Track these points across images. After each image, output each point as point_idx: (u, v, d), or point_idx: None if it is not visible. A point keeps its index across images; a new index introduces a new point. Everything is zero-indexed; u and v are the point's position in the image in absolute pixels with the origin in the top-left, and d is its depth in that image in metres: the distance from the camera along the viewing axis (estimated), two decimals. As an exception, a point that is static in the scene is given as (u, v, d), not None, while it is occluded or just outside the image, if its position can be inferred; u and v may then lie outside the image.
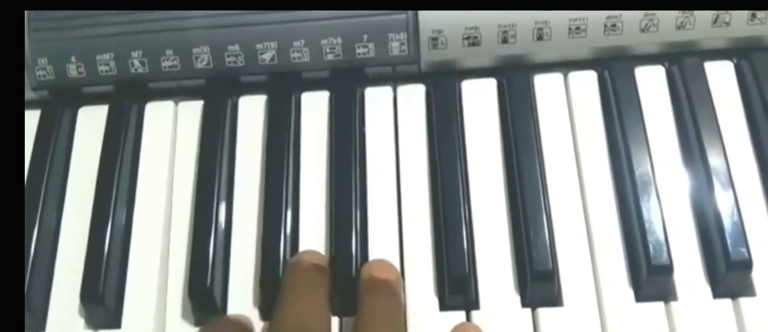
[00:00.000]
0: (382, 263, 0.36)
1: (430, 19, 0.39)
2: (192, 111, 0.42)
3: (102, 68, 0.41)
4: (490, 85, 0.41)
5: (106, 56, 0.40)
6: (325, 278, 0.35)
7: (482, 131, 0.39)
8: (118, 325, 0.36)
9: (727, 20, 0.39)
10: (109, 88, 0.41)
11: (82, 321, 0.36)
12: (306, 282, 0.34)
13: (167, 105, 0.42)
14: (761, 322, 0.34)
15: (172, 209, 0.39)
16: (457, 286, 0.35)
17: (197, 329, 0.36)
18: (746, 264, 0.34)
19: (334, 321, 0.35)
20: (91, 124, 0.41)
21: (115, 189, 0.39)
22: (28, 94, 0.41)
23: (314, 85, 0.42)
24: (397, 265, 0.36)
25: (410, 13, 0.39)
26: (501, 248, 0.36)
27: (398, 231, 0.37)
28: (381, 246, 0.37)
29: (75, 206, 0.39)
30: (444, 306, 0.36)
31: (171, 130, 0.41)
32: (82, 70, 0.41)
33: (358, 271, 0.36)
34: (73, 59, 0.41)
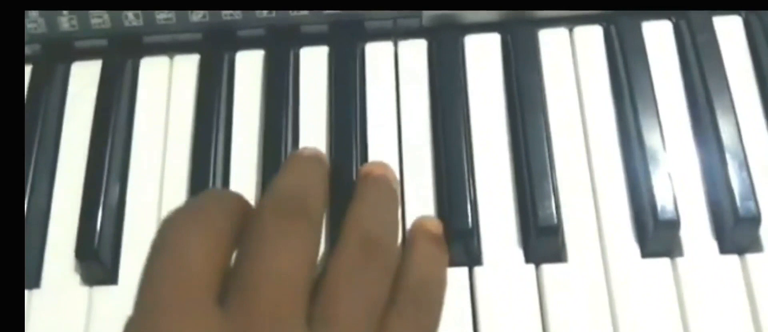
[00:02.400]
0: (382, 163, 0.35)
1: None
2: (188, 66, 0.40)
3: (95, 21, 0.40)
4: (494, 40, 0.40)
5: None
6: (326, 174, 0.34)
7: (486, 87, 0.39)
8: (115, 281, 0.36)
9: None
10: (103, 41, 0.40)
11: (77, 278, 0.36)
12: (310, 161, 0.33)
13: (163, 60, 0.41)
14: (768, 278, 0.33)
15: (168, 165, 0.38)
16: (459, 241, 0.35)
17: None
18: (755, 220, 0.34)
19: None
20: (84, 80, 0.40)
21: (109, 145, 0.38)
22: (19, 49, 0.40)
23: (313, 41, 0.41)
24: (400, 222, 0.36)
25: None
26: (504, 203, 0.36)
27: (400, 187, 0.37)
28: (382, 203, 0.36)
29: (69, 162, 0.38)
30: (446, 261, 0.35)
31: (166, 85, 0.40)
32: (74, 22, 0.40)
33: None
34: (64, 12, 0.39)
